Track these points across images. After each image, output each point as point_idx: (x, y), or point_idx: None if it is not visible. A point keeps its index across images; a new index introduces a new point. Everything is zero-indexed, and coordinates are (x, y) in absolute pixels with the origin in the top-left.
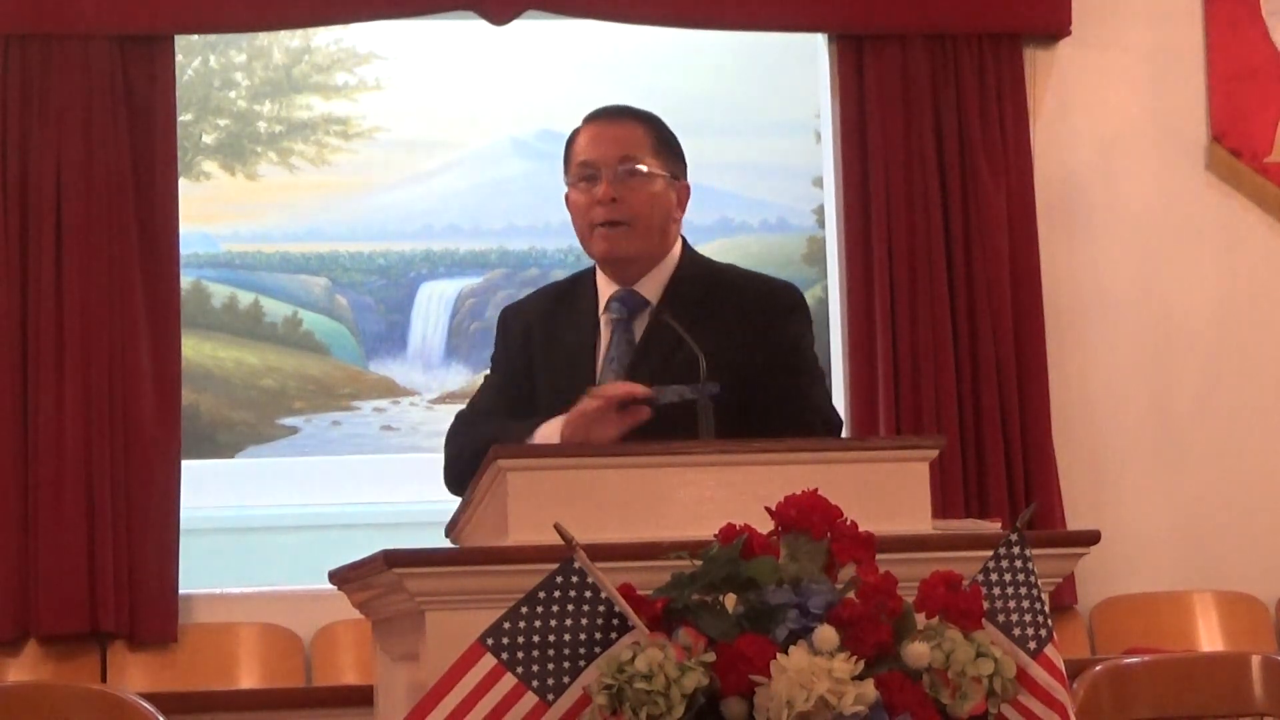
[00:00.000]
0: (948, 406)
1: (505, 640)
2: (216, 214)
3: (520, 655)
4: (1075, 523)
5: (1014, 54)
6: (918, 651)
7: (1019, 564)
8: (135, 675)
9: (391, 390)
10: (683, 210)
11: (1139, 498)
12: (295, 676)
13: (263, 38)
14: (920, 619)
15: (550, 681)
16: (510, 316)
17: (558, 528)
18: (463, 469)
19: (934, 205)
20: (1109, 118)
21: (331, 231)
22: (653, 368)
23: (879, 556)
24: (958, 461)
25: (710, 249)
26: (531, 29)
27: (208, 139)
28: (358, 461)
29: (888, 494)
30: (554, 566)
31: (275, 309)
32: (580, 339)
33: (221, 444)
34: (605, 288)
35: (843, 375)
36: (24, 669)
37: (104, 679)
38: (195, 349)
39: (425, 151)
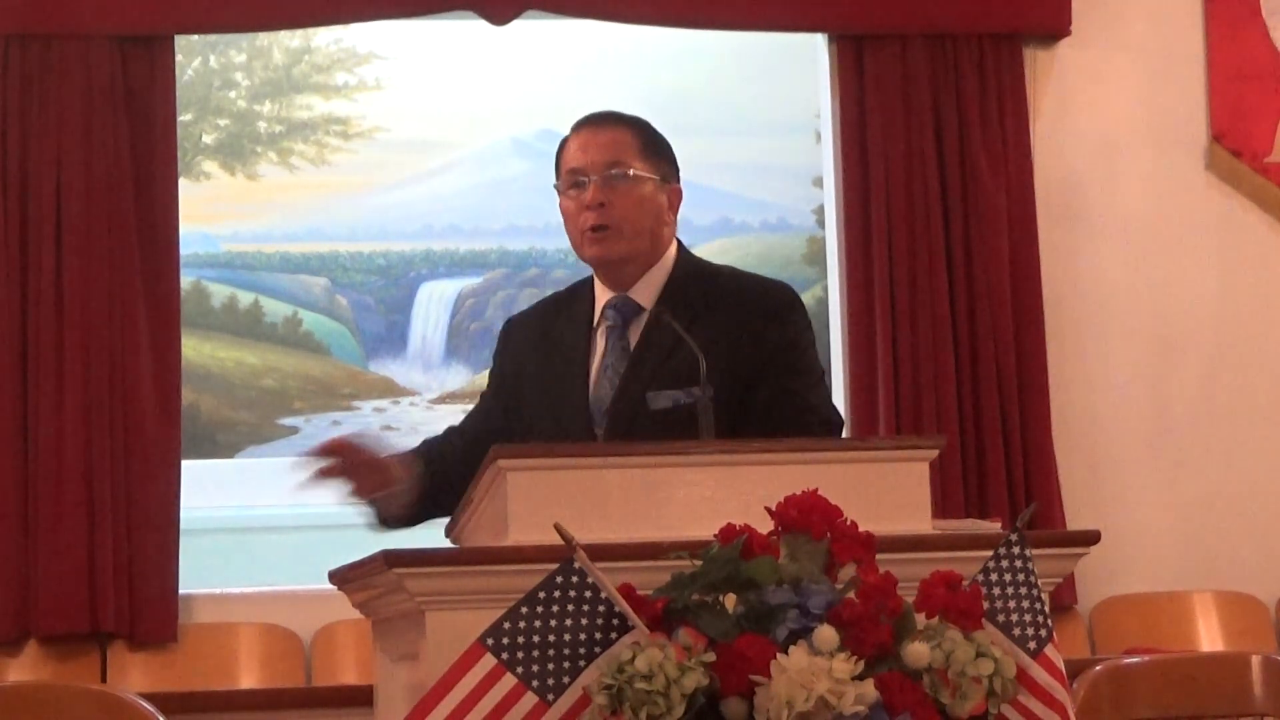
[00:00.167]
0: (948, 406)
1: (505, 640)
2: (216, 214)
3: (520, 655)
4: (1075, 523)
5: (1014, 54)
6: (918, 651)
7: (1019, 564)
8: (135, 675)
9: (391, 390)
10: (675, 213)
11: (1139, 498)
12: (295, 676)
13: (263, 38)
14: (920, 619)
15: (550, 681)
16: (512, 327)
17: (558, 528)
18: None
19: (934, 205)
20: (1109, 118)
21: (331, 231)
22: (648, 373)
23: (879, 556)
24: (958, 461)
25: (710, 249)
26: (531, 29)
27: (208, 139)
28: None
29: (888, 494)
30: (554, 566)
31: (275, 309)
32: (573, 347)
33: (221, 444)
34: (601, 295)
35: (843, 375)
36: (24, 669)
37: (104, 679)
38: (195, 349)
39: (425, 151)
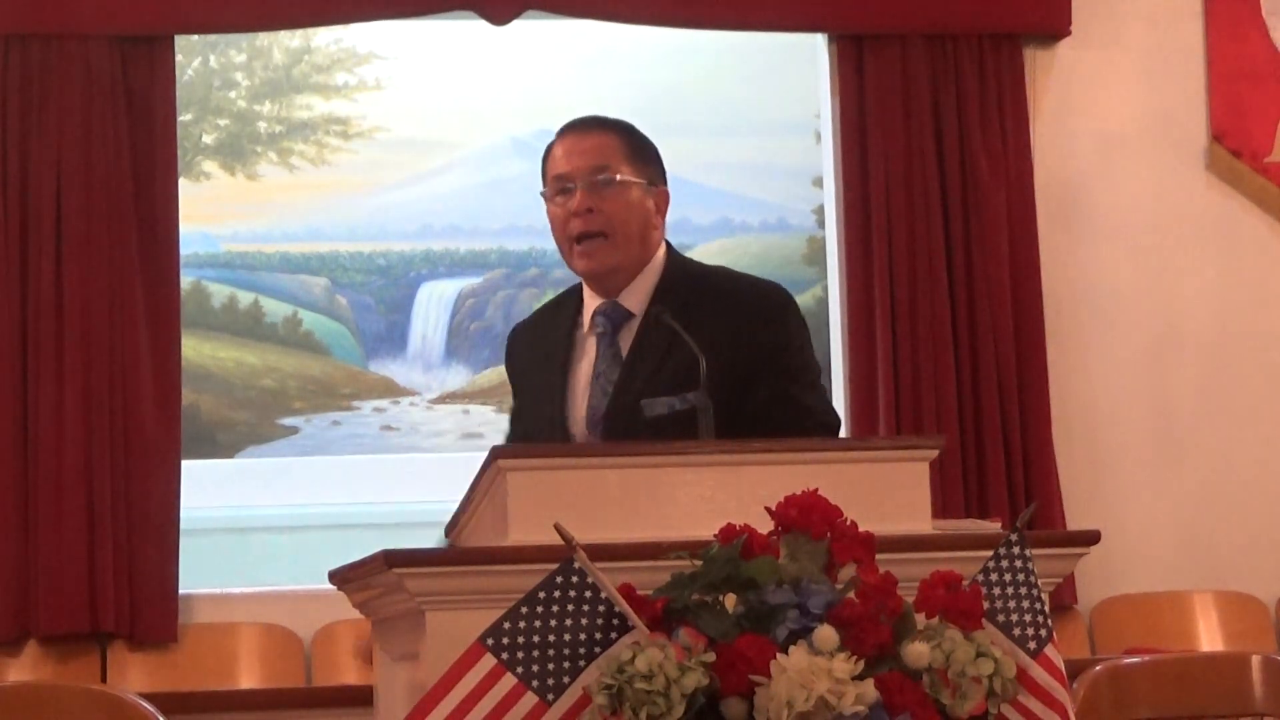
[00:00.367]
0: (948, 406)
1: (505, 640)
2: (216, 214)
3: (520, 655)
4: (1075, 523)
5: (1014, 54)
6: (918, 651)
7: (1019, 564)
8: (135, 675)
9: (391, 390)
10: (663, 216)
11: (1139, 498)
12: (295, 676)
13: (263, 38)
14: (920, 619)
15: (550, 681)
16: (512, 336)
17: (558, 528)
18: None
19: (934, 205)
20: (1109, 118)
21: (331, 231)
22: (641, 380)
23: (879, 556)
24: (958, 461)
25: (710, 249)
26: (531, 29)
27: (208, 139)
28: (358, 461)
29: (888, 494)
30: (554, 566)
31: (275, 309)
32: (552, 356)
33: (221, 444)
34: (590, 301)
35: (843, 375)
36: (24, 669)
37: (104, 679)
38: (195, 349)
39: (425, 151)
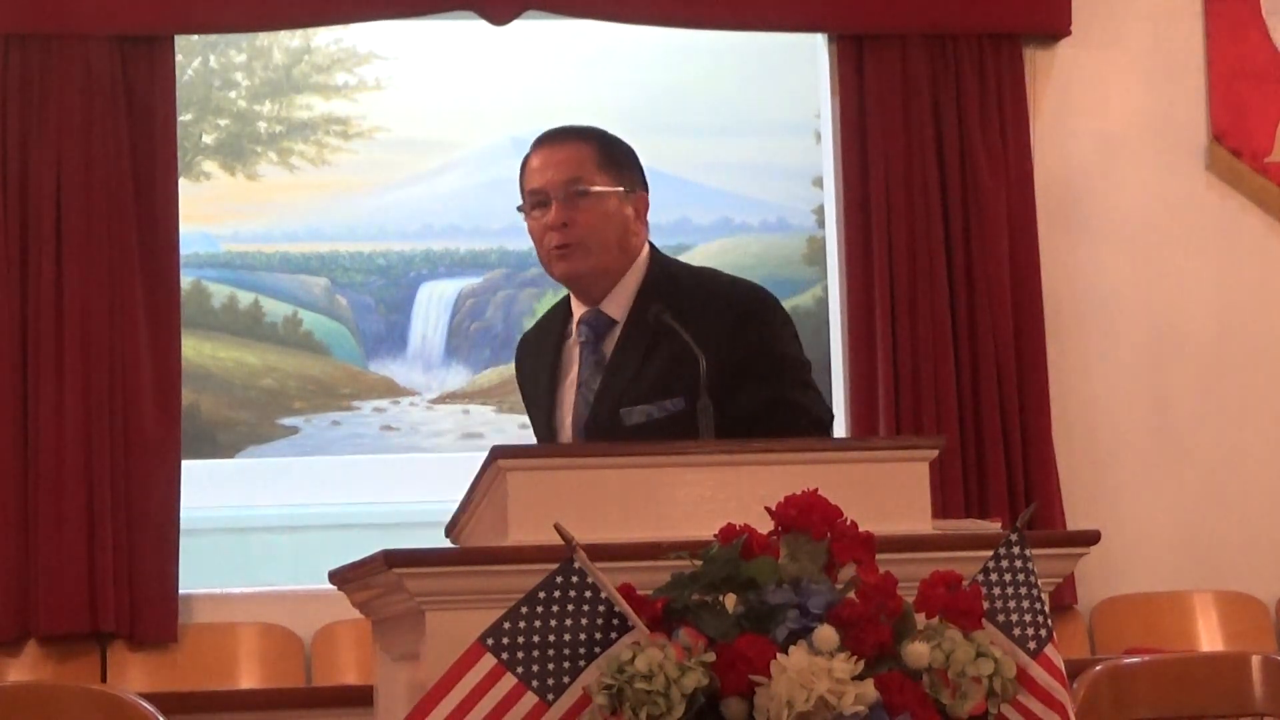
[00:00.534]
0: (948, 406)
1: (505, 640)
2: (216, 214)
3: (520, 655)
4: (1075, 523)
5: (1014, 54)
6: (918, 651)
7: (1019, 564)
8: (135, 675)
9: (391, 390)
10: (643, 221)
11: (1139, 498)
12: (295, 676)
13: (263, 38)
14: (920, 619)
15: (550, 681)
16: (518, 347)
17: (558, 528)
18: None
19: (934, 205)
20: (1109, 118)
21: (331, 231)
22: (619, 389)
23: (879, 556)
24: (958, 461)
25: (710, 249)
26: (531, 29)
27: (208, 139)
28: (358, 461)
29: (888, 494)
30: (554, 566)
31: (275, 309)
32: (542, 368)
33: (221, 444)
34: (577, 310)
35: (843, 375)
36: (24, 669)
37: (104, 679)
38: (195, 349)
39: (425, 151)
